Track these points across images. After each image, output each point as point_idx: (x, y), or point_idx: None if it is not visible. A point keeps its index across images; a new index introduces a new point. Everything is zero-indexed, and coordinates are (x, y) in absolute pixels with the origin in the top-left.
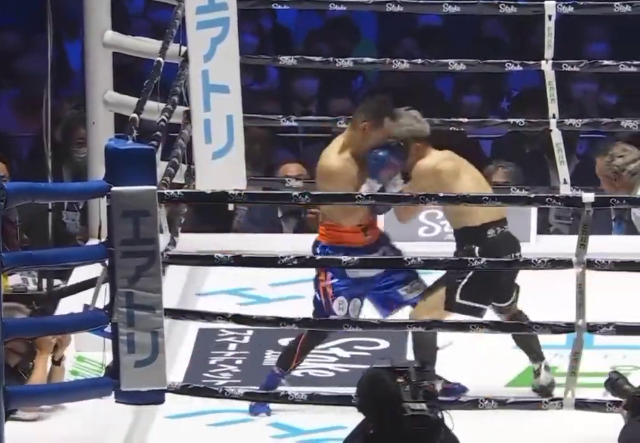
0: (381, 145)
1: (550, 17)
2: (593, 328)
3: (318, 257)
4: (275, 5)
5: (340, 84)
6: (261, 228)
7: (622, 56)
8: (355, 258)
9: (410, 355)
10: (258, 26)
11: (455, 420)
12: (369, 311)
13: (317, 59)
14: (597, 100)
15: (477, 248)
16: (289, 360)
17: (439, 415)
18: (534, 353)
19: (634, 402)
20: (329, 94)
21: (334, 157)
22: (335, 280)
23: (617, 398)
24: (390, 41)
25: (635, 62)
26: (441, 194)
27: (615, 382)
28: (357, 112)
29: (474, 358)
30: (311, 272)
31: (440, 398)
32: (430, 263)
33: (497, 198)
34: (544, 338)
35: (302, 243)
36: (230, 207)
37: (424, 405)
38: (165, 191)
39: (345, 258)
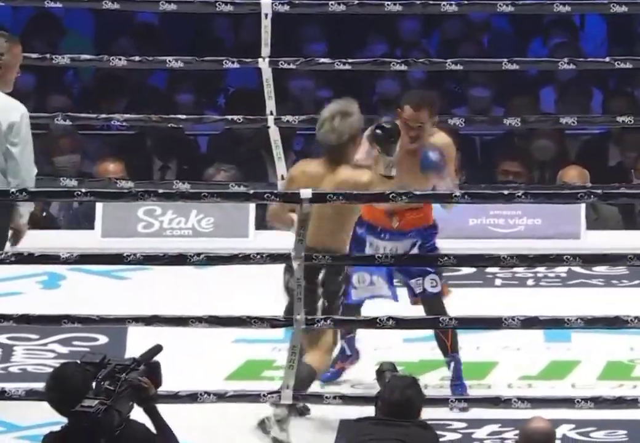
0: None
1: (266, 15)
2: (311, 322)
3: (37, 254)
4: None
5: (56, 80)
6: None
7: (338, 54)
8: (74, 254)
9: (129, 351)
10: None
11: None
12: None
13: (34, 55)
14: (313, 97)
15: None
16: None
17: (113, 412)
18: None
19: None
20: (46, 90)
21: None
22: None
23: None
24: (107, 38)
25: (350, 60)
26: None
27: (381, 373)
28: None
29: (193, 352)
30: (29, 269)
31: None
32: (150, 259)
33: (217, 194)
34: (261, 333)
35: None
36: None
37: (95, 402)
38: None
39: (64, 254)
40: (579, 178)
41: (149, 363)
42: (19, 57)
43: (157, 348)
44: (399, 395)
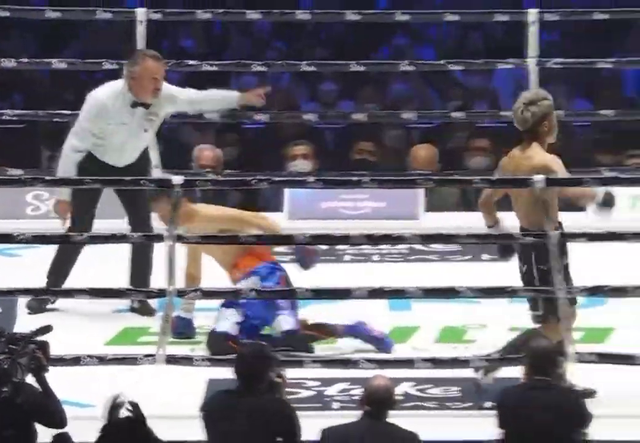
0: None
1: (141, 22)
2: (181, 294)
3: None
4: None
5: None
6: None
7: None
8: None
9: (19, 321)
10: None
11: None
12: None
13: None
14: None
15: None
16: None
17: (17, 365)
18: None
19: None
20: None
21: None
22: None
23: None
24: None
25: (216, 62)
26: None
27: None
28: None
29: (77, 321)
30: None
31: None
32: (38, 239)
33: (99, 181)
34: None
35: None
36: None
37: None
38: None
39: None
40: (427, 155)
41: (40, 341)
42: (151, 70)
43: (48, 328)
44: (237, 361)
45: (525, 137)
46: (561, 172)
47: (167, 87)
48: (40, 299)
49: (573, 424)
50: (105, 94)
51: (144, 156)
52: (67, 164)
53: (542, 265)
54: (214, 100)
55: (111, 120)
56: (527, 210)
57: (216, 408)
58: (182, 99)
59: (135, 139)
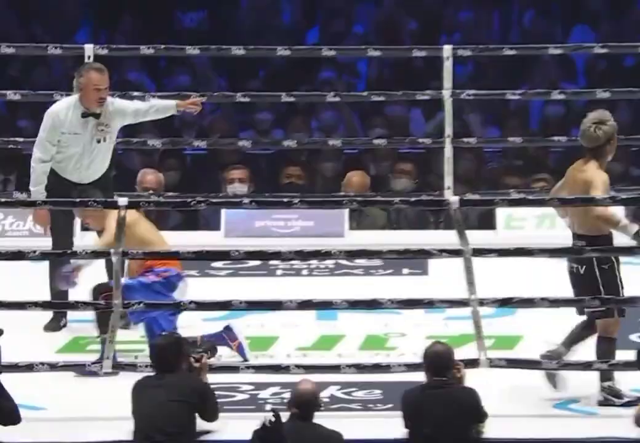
0: None
1: (89, 57)
2: (126, 306)
3: None
4: None
5: None
6: None
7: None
8: None
9: None
10: None
11: None
12: None
13: None
14: None
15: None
16: None
17: None
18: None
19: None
20: None
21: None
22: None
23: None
24: None
25: (159, 94)
26: None
27: None
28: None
29: (29, 331)
30: None
31: None
32: None
33: (49, 202)
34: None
35: None
36: None
37: None
38: None
39: None
40: (360, 181)
41: None
42: (93, 81)
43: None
44: (153, 350)
45: (588, 154)
46: (602, 188)
47: (117, 101)
48: (54, 320)
49: (468, 419)
50: (59, 105)
51: (107, 175)
52: (38, 176)
53: (603, 264)
54: (157, 110)
55: (65, 129)
56: (581, 218)
57: (139, 387)
58: (130, 111)
59: (89, 152)
